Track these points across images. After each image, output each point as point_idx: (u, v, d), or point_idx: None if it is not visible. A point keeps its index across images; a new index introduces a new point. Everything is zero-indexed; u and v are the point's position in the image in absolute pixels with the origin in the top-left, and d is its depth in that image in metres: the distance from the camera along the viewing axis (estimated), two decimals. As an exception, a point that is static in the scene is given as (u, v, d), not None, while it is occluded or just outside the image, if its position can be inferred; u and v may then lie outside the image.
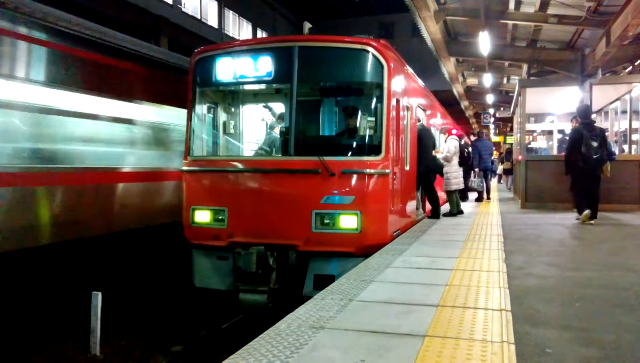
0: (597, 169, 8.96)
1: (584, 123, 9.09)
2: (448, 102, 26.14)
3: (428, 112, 11.30)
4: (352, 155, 7.38)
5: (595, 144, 8.64)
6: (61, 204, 6.99)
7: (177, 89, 8.57)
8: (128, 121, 8.30)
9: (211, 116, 8.39)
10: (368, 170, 6.87)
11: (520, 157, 17.58)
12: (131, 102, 8.36)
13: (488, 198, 15.76)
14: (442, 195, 11.59)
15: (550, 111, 20.15)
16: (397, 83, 7.58)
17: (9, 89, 6.34)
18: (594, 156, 8.65)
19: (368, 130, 7.76)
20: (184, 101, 7.76)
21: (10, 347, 6.80)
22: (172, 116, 9.20)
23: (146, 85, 8.74)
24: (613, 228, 9.76)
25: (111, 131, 7.98)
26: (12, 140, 6.37)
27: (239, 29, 38.66)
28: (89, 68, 7.58)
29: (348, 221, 6.74)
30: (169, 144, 9.26)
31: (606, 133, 9.28)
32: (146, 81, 8.75)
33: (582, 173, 9.11)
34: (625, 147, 16.05)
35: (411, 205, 9.02)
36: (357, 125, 7.95)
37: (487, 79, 21.36)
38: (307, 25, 10.09)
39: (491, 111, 31.11)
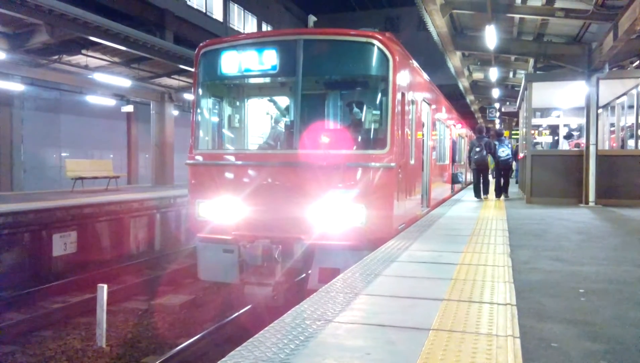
0: (480, 164, 13.55)
1: (477, 137, 13.94)
2: (454, 97, 26.02)
3: (433, 106, 11.26)
4: (357, 149, 7.37)
5: (478, 149, 13.40)
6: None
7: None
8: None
9: (216, 110, 8.40)
10: (373, 164, 6.86)
11: (521, 155, 17.56)
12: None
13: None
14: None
15: (557, 106, 20.03)
16: (403, 77, 7.56)
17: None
18: (475, 157, 13.41)
19: (373, 124, 7.75)
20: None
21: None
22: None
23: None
24: (619, 223, 9.73)
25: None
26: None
27: (244, 22, 38.59)
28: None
29: (353, 215, 6.74)
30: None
31: (509, 144, 14.96)
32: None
33: (474, 167, 13.82)
34: (632, 142, 15.95)
35: (416, 199, 9.01)
36: (362, 119, 7.94)
37: (493, 74, 21.21)
38: (312, 19, 10.06)
39: (497, 105, 30.91)
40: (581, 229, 8.56)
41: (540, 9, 12.85)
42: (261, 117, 9.18)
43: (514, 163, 17.59)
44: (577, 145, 21.45)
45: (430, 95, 10.96)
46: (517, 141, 23.74)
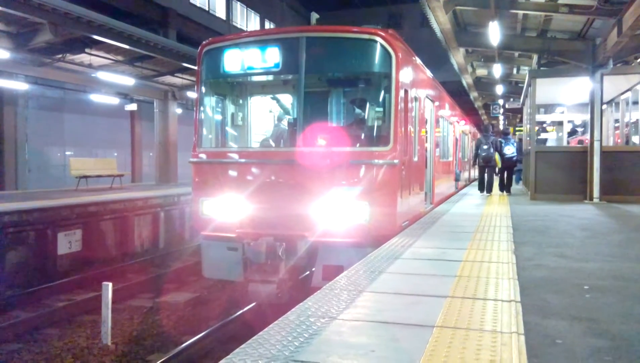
0: (488, 161, 14.04)
1: (483, 135, 14.53)
2: (457, 93, 25.94)
3: (436, 103, 11.24)
4: (360, 146, 7.37)
5: (485, 147, 13.95)
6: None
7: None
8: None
9: (220, 108, 8.40)
10: (376, 161, 6.85)
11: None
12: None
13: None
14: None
15: (561, 102, 19.95)
16: (406, 74, 7.54)
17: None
18: (483, 154, 13.95)
19: (376, 121, 7.74)
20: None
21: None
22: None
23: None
24: (623, 219, 9.70)
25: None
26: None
27: (247, 20, 38.58)
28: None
29: (357, 212, 6.74)
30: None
31: (514, 142, 15.17)
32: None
33: (482, 164, 14.31)
34: (636, 138, 15.89)
35: (420, 196, 9.00)
36: (365, 116, 7.93)
37: (497, 70, 21.10)
38: (315, 16, 10.02)
39: (500, 102, 30.80)
40: (585, 225, 8.53)
41: (543, 5, 12.80)
42: (264, 115, 9.18)
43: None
44: (581, 141, 21.41)
45: (434, 92, 10.93)
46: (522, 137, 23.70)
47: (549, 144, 23.62)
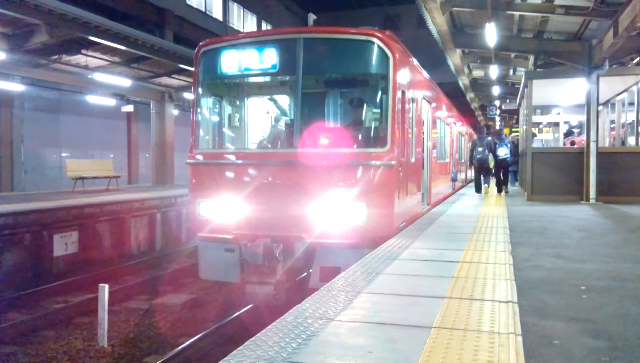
0: (483, 163, 14.43)
1: (478, 137, 14.68)
2: (454, 94, 25.99)
3: (433, 104, 11.25)
4: (357, 147, 7.36)
5: (480, 149, 14.17)
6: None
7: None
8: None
9: (217, 109, 8.39)
10: (374, 162, 6.85)
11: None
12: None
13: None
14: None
15: (557, 103, 20.02)
16: (403, 75, 7.54)
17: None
18: (478, 156, 14.20)
19: (373, 122, 7.74)
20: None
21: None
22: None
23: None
24: (620, 220, 9.73)
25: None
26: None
27: (244, 21, 38.58)
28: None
29: (354, 213, 6.73)
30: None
31: (508, 143, 15.13)
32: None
33: (477, 166, 14.66)
34: (632, 139, 15.94)
35: (417, 197, 9.01)
36: (363, 117, 7.93)
37: (493, 71, 21.15)
38: (312, 17, 10.02)
39: (497, 103, 30.85)
40: (582, 226, 8.55)
41: (540, 6, 12.84)
42: (261, 116, 9.17)
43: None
44: (573, 143, 21.49)
45: (431, 93, 10.94)
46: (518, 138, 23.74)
47: (536, 146, 23.73)
